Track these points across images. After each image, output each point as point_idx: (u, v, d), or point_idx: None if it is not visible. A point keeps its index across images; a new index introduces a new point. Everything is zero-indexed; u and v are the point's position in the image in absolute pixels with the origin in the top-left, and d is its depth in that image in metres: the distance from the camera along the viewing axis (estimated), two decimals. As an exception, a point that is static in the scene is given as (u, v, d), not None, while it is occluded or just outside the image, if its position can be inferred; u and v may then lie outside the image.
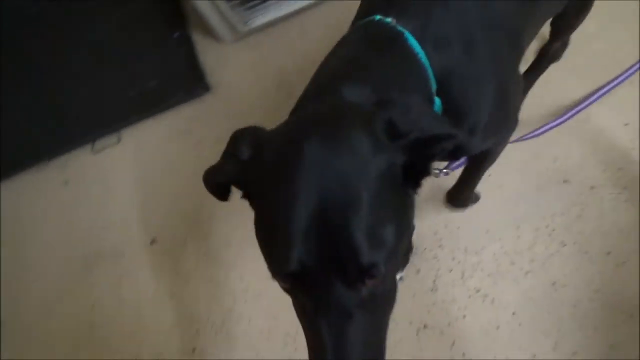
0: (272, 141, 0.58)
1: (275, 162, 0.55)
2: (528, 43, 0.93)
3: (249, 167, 0.58)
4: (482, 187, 1.21)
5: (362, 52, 0.71)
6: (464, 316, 1.15)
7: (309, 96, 0.69)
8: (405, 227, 0.57)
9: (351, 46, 0.74)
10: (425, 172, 0.58)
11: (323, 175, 0.52)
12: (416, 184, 0.59)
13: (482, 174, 1.10)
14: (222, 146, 0.61)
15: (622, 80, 1.19)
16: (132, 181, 1.56)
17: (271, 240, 0.54)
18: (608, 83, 1.23)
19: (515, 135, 0.94)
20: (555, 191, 1.23)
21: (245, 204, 0.60)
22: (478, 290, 1.16)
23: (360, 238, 0.49)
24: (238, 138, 0.62)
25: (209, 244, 1.38)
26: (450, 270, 1.20)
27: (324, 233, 0.50)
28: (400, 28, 0.70)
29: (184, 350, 1.25)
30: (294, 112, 0.69)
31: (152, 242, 1.42)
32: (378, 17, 0.72)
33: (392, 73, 0.68)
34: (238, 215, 1.36)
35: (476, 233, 1.23)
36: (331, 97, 0.64)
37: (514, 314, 1.12)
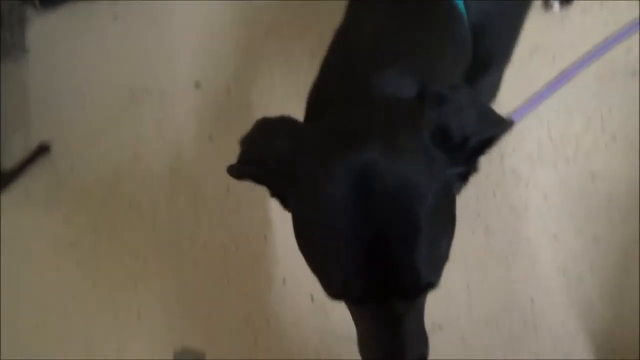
0: (311, 149, 0.51)
1: (322, 179, 0.49)
2: None
3: (284, 176, 0.52)
4: (540, 67, 1.15)
5: (392, 17, 0.59)
6: (494, 192, 1.16)
7: (331, 87, 0.60)
8: (454, 228, 0.54)
9: (376, 8, 0.61)
10: (474, 170, 0.54)
11: (378, 196, 0.47)
12: (463, 182, 0.54)
13: None
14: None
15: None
16: (181, 23, 1.53)
17: (323, 262, 0.51)
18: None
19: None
20: (620, 83, 1.16)
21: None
22: (514, 170, 1.16)
23: (422, 263, 0.47)
24: (269, 132, 0.56)
25: (252, 94, 1.39)
26: (490, 148, 1.19)
27: (383, 259, 0.47)
28: None
29: (219, 190, 1.33)
30: (312, 101, 0.62)
31: (197, 85, 1.44)
32: None
33: (433, 42, 0.58)
34: (284, 68, 1.35)
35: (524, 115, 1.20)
36: (365, 91, 0.54)
37: (545, 197, 1.13)
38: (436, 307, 1.14)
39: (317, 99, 0.61)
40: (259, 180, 0.56)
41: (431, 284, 0.49)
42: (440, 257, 0.50)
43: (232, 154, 1.38)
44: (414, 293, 0.50)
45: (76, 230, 1.42)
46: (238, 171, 0.56)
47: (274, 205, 1.27)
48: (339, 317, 1.24)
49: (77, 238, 1.41)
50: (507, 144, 1.18)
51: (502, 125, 0.51)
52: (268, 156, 0.54)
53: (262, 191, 1.40)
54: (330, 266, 0.50)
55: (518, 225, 1.13)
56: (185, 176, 1.39)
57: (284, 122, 0.56)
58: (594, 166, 1.13)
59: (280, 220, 1.28)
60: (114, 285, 1.35)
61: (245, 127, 1.51)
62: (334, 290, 0.51)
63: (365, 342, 0.56)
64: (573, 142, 1.15)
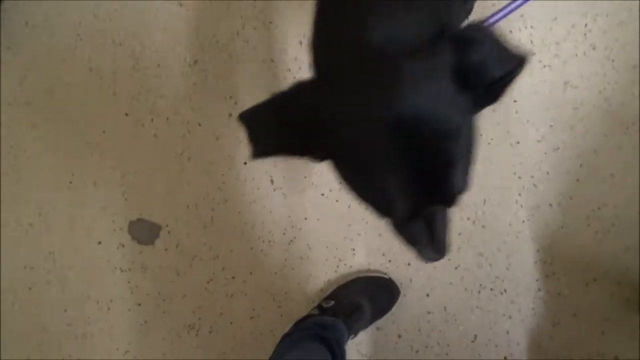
0: (342, 108, 0.51)
1: (359, 132, 0.51)
2: None
3: (316, 143, 0.54)
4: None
5: None
6: None
7: (338, 32, 0.57)
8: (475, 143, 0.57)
9: None
10: (495, 102, 0.55)
11: (416, 138, 0.49)
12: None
13: None
14: None
15: None
16: None
17: (373, 198, 0.55)
18: None
19: None
20: (611, -10, 1.12)
21: None
22: (489, 72, 1.14)
23: (459, 183, 0.53)
24: (288, 109, 0.55)
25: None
26: (469, 47, 1.16)
27: (427, 186, 0.52)
28: None
29: (186, 60, 1.26)
30: (317, 49, 0.59)
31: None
32: None
33: None
34: None
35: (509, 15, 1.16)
36: (381, 37, 0.52)
37: (515, 101, 1.12)
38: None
39: (322, 45, 0.60)
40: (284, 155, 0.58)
41: (464, 191, 0.56)
42: (469, 169, 0.55)
43: (203, 20, 1.30)
44: (453, 204, 0.56)
45: (31, 91, 1.34)
46: (258, 158, 0.58)
47: (240, 81, 1.24)
48: (296, 201, 1.26)
49: (31, 98, 1.34)
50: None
51: (519, 61, 0.52)
52: (294, 137, 0.55)
53: (229, 64, 1.33)
54: (381, 199, 0.54)
55: (483, 127, 1.13)
56: (149, 43, 1.30)
57: (300, 92, 0.55)
58: (568, 74, 1.11)
59: (245, 99, 1.24)
60: (70, 151, 1.31)
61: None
62: (384, 214, 0.56)
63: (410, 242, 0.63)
64: (553, 47, 1.11)
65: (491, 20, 1.10)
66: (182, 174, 1.26)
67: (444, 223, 0.60)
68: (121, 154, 1.30)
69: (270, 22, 1.24)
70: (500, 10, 1.09)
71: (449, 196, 0.54)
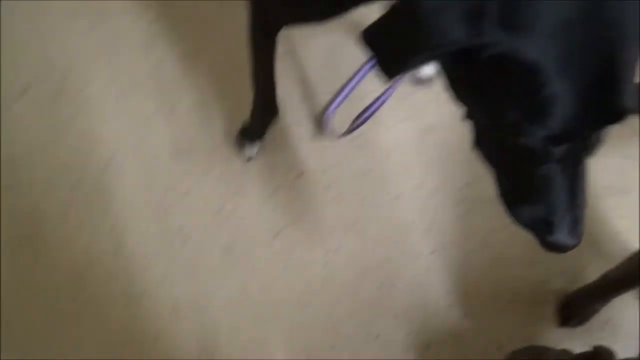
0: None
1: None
2: None
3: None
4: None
5: None
6: (341, 162, 1.17)
7: None
8: None
9: None
10: None
11: (605, 22, 0.44)
12: None
13: None
14: None
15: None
16: None
17: (530, 101, 0.47)
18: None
19: None
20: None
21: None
22: (356, 137, 1.17)
23: (630, 104, 0.47)
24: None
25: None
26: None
27: (601, 86, 0.45)
28: None
29: (59, 205, 1.20)
30: None
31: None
32: None
33: None
34: None
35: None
36: None
37: (387, 156, 1.17)
38: (296, 285, 1.14)
39: None
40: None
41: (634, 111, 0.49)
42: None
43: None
44: (619, 121, 0.48)
45: None
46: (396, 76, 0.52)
47: (123, 214, 1.17)
48: (207, 320, 1.16)
49: None
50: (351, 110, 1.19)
51: None
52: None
53: (106, 200, 1.26)
54: (541, 99, 0.46)
55: (364, 190, 1.16)
56: (22, 192, 1.21)
57: None
58: (428, 118, 1.17)
59: (131, 232, 1.18)
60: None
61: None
62: (539, 121, 0.47)
63: (550, 198, 0.54)
64: (408, 99, 1.18)
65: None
66: (79, 323, 1.14)
67: (584, 177, 0.51)
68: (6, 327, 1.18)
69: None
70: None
71: (618, 112, 0.47)
